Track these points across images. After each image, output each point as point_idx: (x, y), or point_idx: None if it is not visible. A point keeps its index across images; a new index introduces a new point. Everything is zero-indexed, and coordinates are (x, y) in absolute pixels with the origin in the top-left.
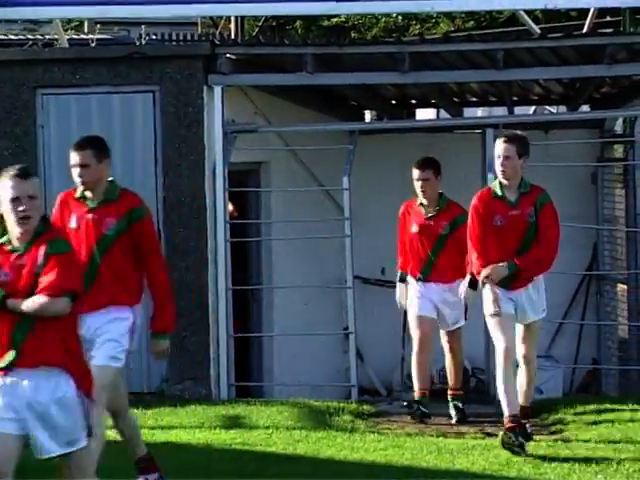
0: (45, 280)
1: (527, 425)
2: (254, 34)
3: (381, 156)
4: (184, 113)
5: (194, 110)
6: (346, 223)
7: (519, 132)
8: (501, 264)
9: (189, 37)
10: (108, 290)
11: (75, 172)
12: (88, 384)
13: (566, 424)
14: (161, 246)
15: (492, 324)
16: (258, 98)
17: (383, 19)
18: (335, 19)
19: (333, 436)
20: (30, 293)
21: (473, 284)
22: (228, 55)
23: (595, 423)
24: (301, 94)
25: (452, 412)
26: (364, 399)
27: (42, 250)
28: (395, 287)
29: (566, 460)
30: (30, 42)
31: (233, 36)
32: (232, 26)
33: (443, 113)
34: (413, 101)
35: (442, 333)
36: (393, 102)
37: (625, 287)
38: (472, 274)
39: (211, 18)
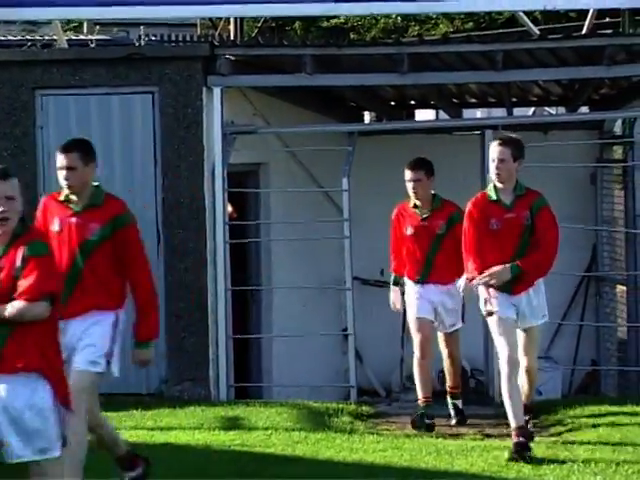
0: (23, 284)
1: (529, 423)
2: (253, 35)
3: (380, 157)
4: (183, 114)
5: (193, 111)
6: (345, 224)
7: (514, 135)
8: (504, 266)
9: (188, 38)
10: (91, 295)
11: (61, 175)
12: (64, 390)
13: (565, 425)
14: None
15: (493, 328)
16: (257, 99)
17: (382, 20)
18: (334, 20)
19: (332, 437)
20: (8, 296)
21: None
22: (227, 56)
23: (594, 424)
24: (300, 95)
25: (451, 412)
26: (363, 400)
27: (20, 252)
28: None
29: (565, 461)
30: (29, 43)
31: (232, 37)
32: (231, 27)
33: (442, 114)
34: (412, 102)
35: (440, 335)
36: (392, 103)
37: (624, 288)
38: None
39: (210, 19)
